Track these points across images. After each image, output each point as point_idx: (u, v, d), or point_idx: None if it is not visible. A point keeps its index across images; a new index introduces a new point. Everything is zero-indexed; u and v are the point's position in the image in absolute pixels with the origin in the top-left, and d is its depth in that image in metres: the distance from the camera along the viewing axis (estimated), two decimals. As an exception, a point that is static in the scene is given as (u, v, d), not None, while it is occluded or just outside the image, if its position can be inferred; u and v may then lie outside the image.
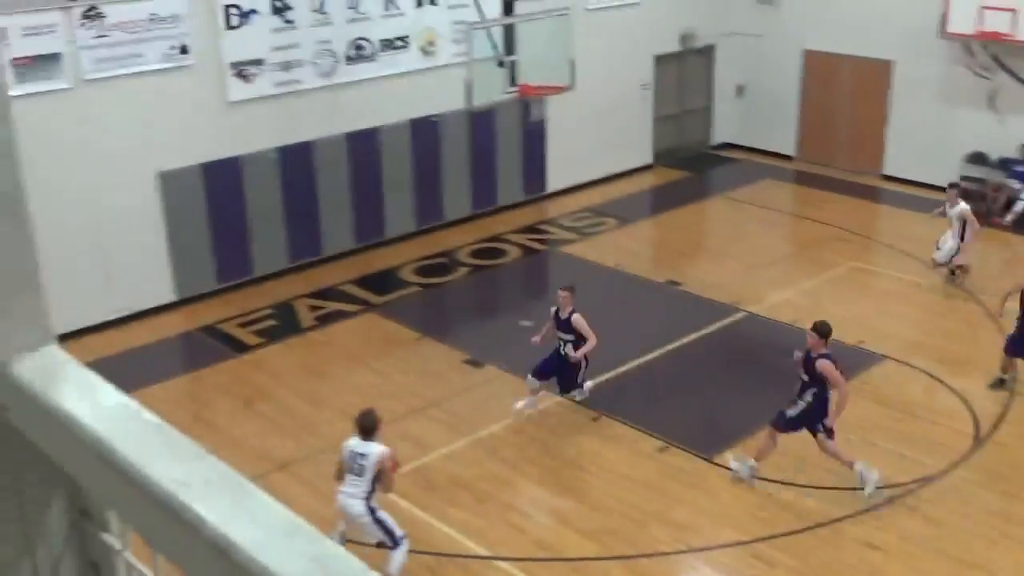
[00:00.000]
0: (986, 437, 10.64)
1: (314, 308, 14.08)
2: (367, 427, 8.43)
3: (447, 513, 9.48)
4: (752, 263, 15.52)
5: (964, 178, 18.45)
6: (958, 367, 12.14)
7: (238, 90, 14.15)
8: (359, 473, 8.30)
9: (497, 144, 17.42)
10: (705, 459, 10.30)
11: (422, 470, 10.18)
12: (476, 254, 15.91)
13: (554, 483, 9.94)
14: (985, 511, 9.41)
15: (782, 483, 9.88)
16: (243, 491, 1.19)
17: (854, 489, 9.73)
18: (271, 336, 13.22)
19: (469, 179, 17.10)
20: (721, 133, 21.65)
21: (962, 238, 14.25)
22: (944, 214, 14.62)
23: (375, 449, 8.35)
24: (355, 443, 8.43)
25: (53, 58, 12.39)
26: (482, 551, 8.91)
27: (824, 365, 9.47)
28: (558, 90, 14.26)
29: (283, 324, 13.62)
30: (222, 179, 14.16)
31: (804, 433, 10.74)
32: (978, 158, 18.37)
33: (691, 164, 20.39)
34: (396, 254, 15.85)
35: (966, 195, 17.64)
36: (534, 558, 8.79)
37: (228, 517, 1.12)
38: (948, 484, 9.87)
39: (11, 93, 1.36)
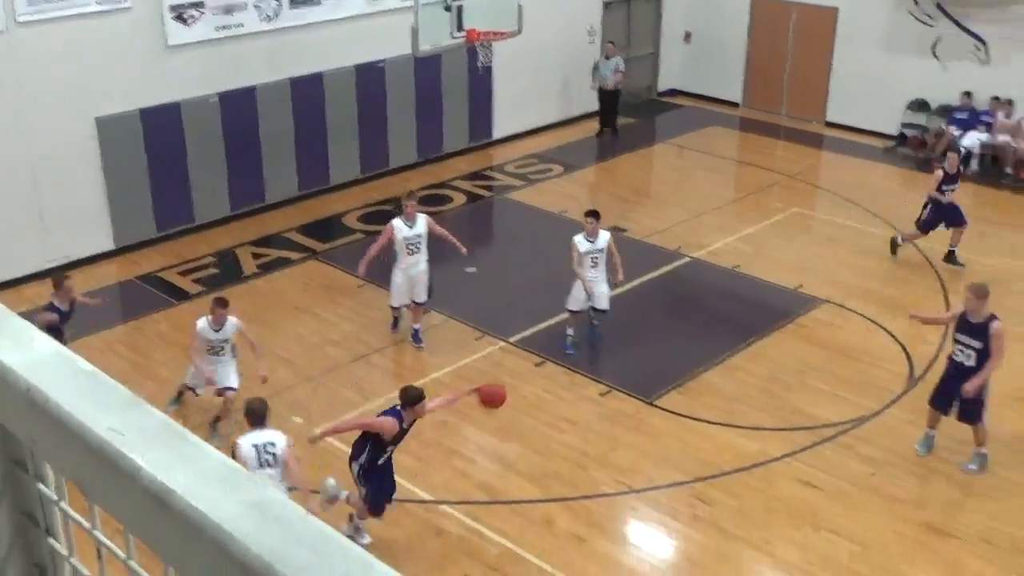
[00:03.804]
0: (920, 377, 10.93)
1: (257, 256, 13.97)
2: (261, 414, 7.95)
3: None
4: (696, 209, 15.67)
5: (905, 125, 18.74)
6: (895, 310, 12.42)
7: (178, 34, 13.85)
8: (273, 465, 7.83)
9: (443, 90, 17.29)
10: (647, 403, 10.48)
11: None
12: (421, 201, 15.71)
13: (497, 428, 10.05)
14: (915, 448, 9.70)
15: (721, 424, 10.09)
16: (179, 439, 1.21)
17: (791, 429, 9.98)
18: (213, 284, 13.10)
19: (415, 126, 16.98)
20: (668, 80, 21.67)
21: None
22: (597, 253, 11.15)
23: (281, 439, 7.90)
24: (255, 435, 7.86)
25: (-17, -1, 12.02)
26: (426, 495, 9.02)
27: None
28: (505, 36, 14.17)
29: (225, 272, 13.51)
30: (162, 125, 13.91)
31: (747, 376, 10.98)
32: (920, 105, 18.63)
33: (637, 111, 20.41)
34: (341, 201, 15.75)
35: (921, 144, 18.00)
36: (477, 501, 8.91)
37: (164, 465, 1.14)
38: (883, 423, 10.15)
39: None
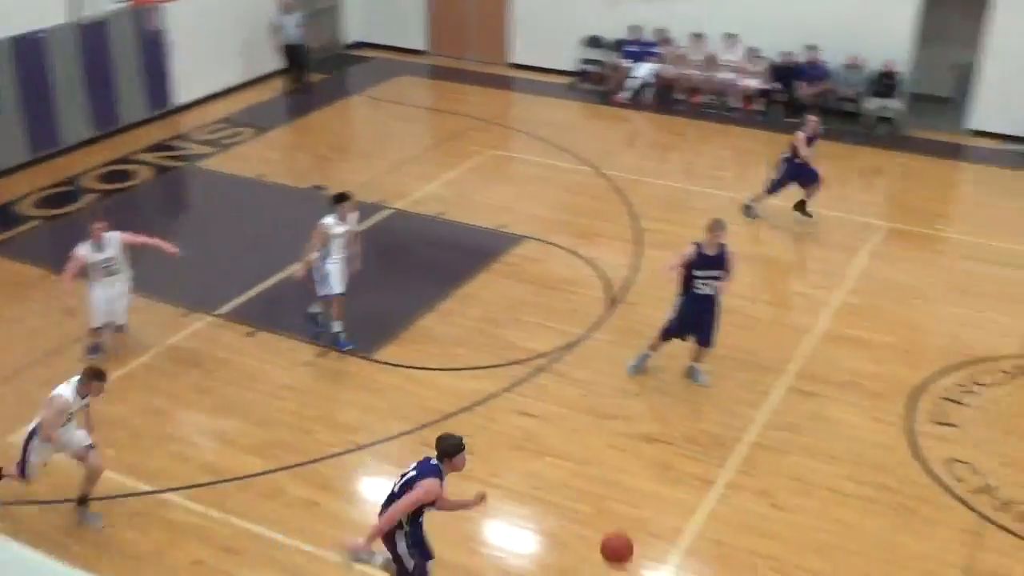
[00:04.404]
0: (618, 300, 11.59)
1: (-80, 257, 12.64)
2: None
3: (104, 455, 8.99)
4: (396, 160, 15.70)
5: (585, 60, 19.57)
6: (590, 239, 13.07)
7: None
8: None
9: (114, 59, 16.20)
10: (366, 358, 10.45)
11: (70, 413, 9.55)
12: (104, 178, 14.88)
13: (214, 406, 9.70)
14: (621, 366, 10.30)
15: (441, 369, 10.24)
16: None
17: (507, 365, 10.30)
18: None
19: (86, 99, 15.83)
20: (354, 32, 21.45)
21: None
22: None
23: None
24: None
25: None
26: (146, 487, 8.58)
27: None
28: (173, -4, 13.47)
29: None
30: None
31: (461, 319, 11.18)
32: (594, 41, 19.51)
33: (325, 65, 20.09)
34: (9, 187, 14.46)
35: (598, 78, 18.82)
36: (201, 484, 8.58)
37: None
38: (589, 347, 10.68)
39: None
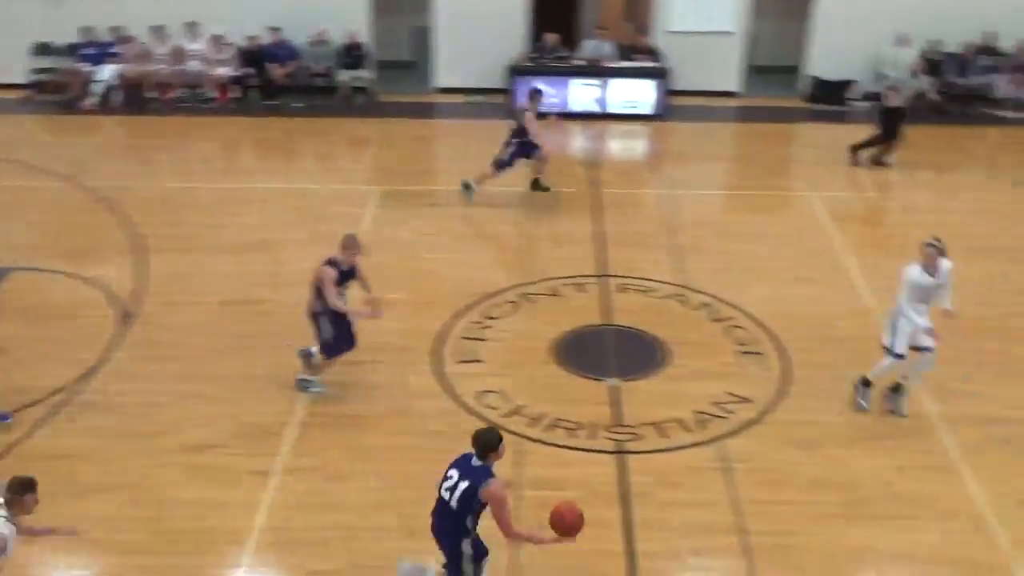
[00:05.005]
0: (130, 314, 10.95)
1: None
2: None
3: None
4: None
5: (37, 70, 18.09)
6: (85, 257, 12.22)
7: None
8: None
9: None
10: None
11: None
12: None
13: None
14: (149, 382, 9.79)
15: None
16: None
17: (21, 409, 9.34)
18: None
19: None
20: None
21: None
22: None
23: None
24: None
25: None
26: None
27: None
28: None
29: None
30: None
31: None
32: (44, 48, 18.12)
33: None
34: None
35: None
36: None
37: None
38: (110, 368, 9.97)
39: None
